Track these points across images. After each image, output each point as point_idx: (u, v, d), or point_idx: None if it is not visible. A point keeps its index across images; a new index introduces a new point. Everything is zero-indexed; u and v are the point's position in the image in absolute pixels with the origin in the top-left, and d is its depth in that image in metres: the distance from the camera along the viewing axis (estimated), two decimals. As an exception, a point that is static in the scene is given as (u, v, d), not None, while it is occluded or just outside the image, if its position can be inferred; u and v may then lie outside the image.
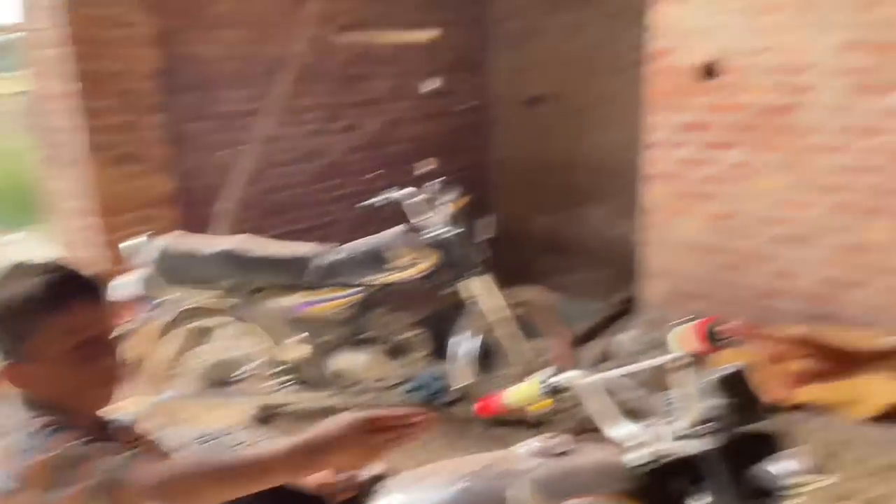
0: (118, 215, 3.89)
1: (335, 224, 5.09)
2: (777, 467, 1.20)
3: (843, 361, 0.86)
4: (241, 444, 1.63)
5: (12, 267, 1.16)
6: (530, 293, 3.54)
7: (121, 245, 3.21)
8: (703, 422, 1.26)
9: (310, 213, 5.00)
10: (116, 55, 3.79)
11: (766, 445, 1.26)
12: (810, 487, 1.16)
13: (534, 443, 1.41)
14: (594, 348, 4.12)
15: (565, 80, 5.91)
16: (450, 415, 3.51)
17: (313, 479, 1.46)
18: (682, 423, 1.28)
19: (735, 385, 1.27)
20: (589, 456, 1.38)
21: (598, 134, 5.83)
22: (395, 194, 3.52)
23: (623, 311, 4.91)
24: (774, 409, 1.37)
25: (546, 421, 3.33)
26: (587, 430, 3.27)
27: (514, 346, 3.41)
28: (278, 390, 3.33)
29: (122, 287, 3.11)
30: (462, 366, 3.32)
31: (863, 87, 3.25)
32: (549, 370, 1.51)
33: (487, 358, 3.48)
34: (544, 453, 1.37)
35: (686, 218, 3.81)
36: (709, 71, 3.59)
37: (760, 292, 3.67)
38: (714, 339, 1.24)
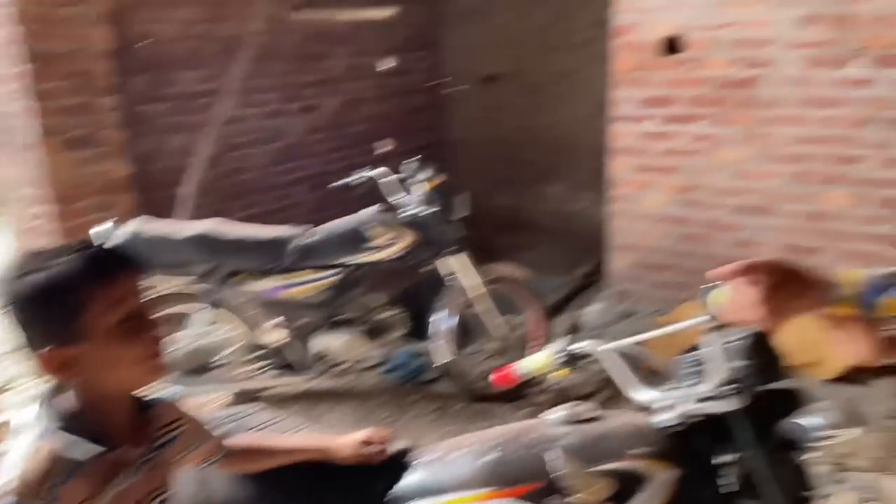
0: (74, 202, 3.75)
1: (296, 206, 5.02)
2: (805, 421, 1.26)
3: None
4: (263, 423, 1.63)
5: (28, 255, 1.11)
6: (504, 269, 3.58)
7: (91, 231, 3.10)
8: (729, 382, 1.29)
9: (270, 195, 4.91)
10: (68, 34, 3.62)
11: (790, 402, 1.32)
12: (838, 440, 1.22)
13: (561, 411, 1.43)
14: (564, 321, 4.20)
15: (522, 57, 5.93)
16: (430, 393, 3.57)
17: (346, 452, 1.48)
18: (708, 385, 1.30)
19: (758, 346, 1.31)
20: (617, 421, 1.41)
21: (557, 110, 5.88)
22: (370, 173, 3.51)
23: (587, 284, 5.01)
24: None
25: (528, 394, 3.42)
26: (572, 398, 3.37)
27: (491, 321, 3.46)
28: (257, 375, 3.31)
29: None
30: (442, 343, 3.35)
31: (820, 59, 3.33)
32: (563, 340, 1.52)
33: (466, 334, 3.52)
34: (572, 420, 1.40)
35: (650, 191, 3.87)
36: (671, 46, 3.64)
37: (723, 261, 3.77)
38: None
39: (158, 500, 1.17)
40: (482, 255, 3.62)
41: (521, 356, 3.43)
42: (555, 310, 4.57)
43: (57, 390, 1.10)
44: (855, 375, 3.18)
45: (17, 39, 3.45)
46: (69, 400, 1.09)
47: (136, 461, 1.13)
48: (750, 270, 1.07)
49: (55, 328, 1.05)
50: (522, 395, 3.42)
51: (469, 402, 3.42)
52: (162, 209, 4.05)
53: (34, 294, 1.05)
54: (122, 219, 3.46)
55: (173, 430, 1.24)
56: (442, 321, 3.36)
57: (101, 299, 1.04)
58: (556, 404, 3.38)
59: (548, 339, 3.57)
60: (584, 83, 5.61)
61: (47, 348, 1.05)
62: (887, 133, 3.29)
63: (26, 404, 1.23)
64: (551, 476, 1.30)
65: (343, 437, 1.50)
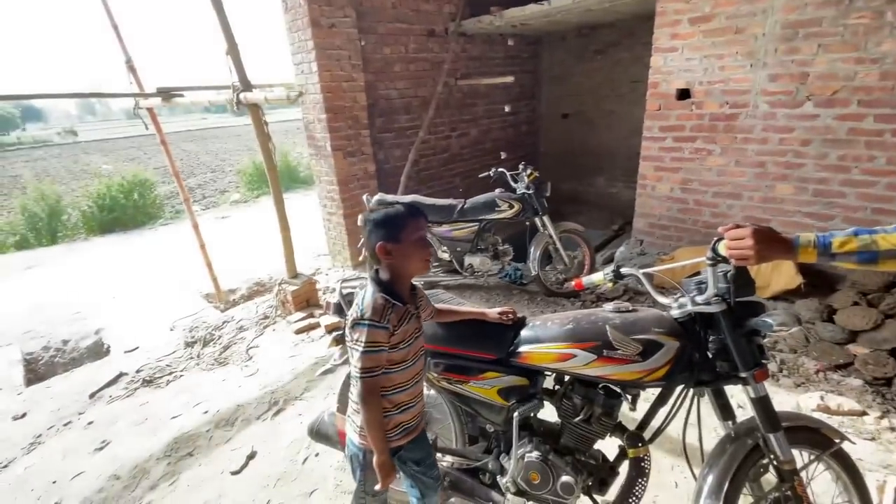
0: (347, 185, 3.97)
1: (454, 189, 5.08)
2: (767, 319, 1.16)
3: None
4: (446, 299, 1.62)
5: (379, 200, 1.23)
6: (569, 225, 3.47)
7: (364, 196, 3.31)
8: (718, 295, 1.21)
9: (441, 182, 4.99)
10: (346, 97, 3.77)
11: (756, 308, 1.22)
12: (786, 332, 1.12)
13: (611, 304, 1.39)
14: (603, 256, 4.02)
15: (584, 102, 5.56)
16: (526, 290, 3.55)
17: (493, 316, 1.42)
18: (705, 295, 1.23)
19: (740, 275, 1.20)
20: (646, 312, 1.35)
21: (604, 134, 5.49)
22: (499, 170, 3.47)
23: (617, 235, 4.76)
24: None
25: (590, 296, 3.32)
26: (607, 300, 3.23)
27: (561, 254, 3.38)
28: (437, 273, 3.43)
29: (359, 220, 3.24)
30: (533, 264, 3.31)
31: (782, 103, 2.87)
32: (610, 266, 1.44)
33: (546, 260, 3.48)
34: (619, 310, 1.36)
35: (662, 182, 3.55)
36: (682, 94, 3.26)
37: (704, 225, 3.43)
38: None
39: (418, 334, 1.24)
40: (557, 217, 3.53)
41: (579, 274, 3.36)
42: (598, 249, 4.40)
43: (378, 273, 1.19)
44: (786, 296, 2.84)
45: (322, 100, 3.65)
46: (385, 276, 1.19)
47: (412, 311, 1.21)
48: (740, 228, 0.97)
49: (390, 233, 1.15)
50: (577, 295, 3.35)
51: (547, 296, 3.39)
52: (389, 189, 4.24)
53: (385, 215, 1.16)
54: (371, 193, 3.67)
55: (421, 298, 1.31)
56: (534, 252, 3.32)
57: (412, 225, 1.14)
58: (595, 304, 3.29)
59: (594, 266, 3.46)
60: (621, 119, 5.17)
61: (382, 242, 1.14)
62: (824, 149, 2.80)
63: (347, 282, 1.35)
64: (605, 338, 1.28)
65: (492, 309, 1.48)
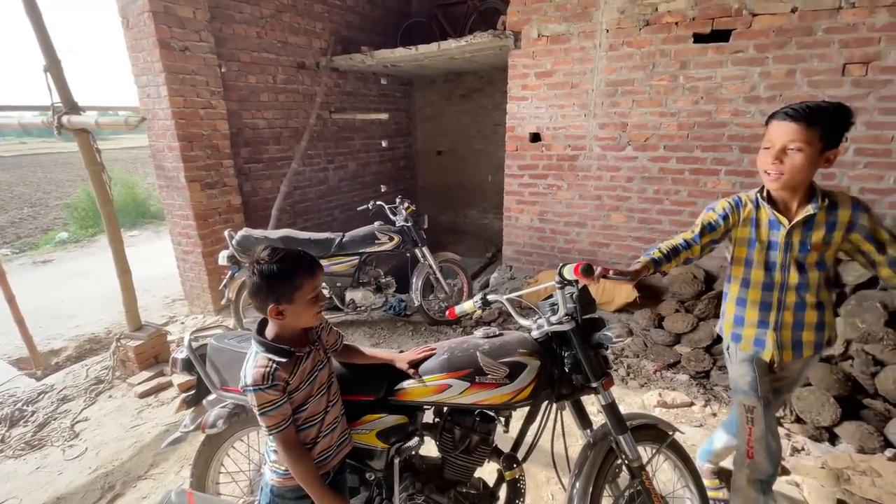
0: (207, 219, 3.56)
1: (333, 222, 4.91)
2: (606, 333, 1.29)
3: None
4: None
5: (266, 248, 1.08)
6: (447, 255, 3.57)
7: (226, 232, 2.96)
8: (567, 314, 1.31)
9: (318, 215, 4.78)
10: (203, 124, 3.42)
11: (598, 324, 1.34)
12: (622, 343, 1.26)
13: (480, 331, 1.41)
14: (479, 281, 4.21)
15: (455, 141, 5.90)
16: (409, 321, 3.53)
17: (402, 362, 1.32)
18: (557, 316, 1.32)
19: (583, 295, 1.33)
20: (510, 335, 1.39)
21: (473, 170, 5.87)
22: (378, 203, 3.44)
23: (490, 262, 5.06)
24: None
25: (468, 321, 3.41)
26: (485, 324, 3.37)
27: (440, 282, 3.45)
28: (314, 313, 3.20)
29: (220, 258, 2.87)
30: (415, 294, 3.31)
31: (610, 146, 3.40)
32: (480, 294, 1.50)
33: (428, 289, 3.51)
34: (487, 336, 1.39)
35: (523, 214, 3.87)
36: (534, 137, 3.66)
37: (560, 251, 3.82)
38: (587, 273, 1.23)
39: (320, 367, 1.15)
40: (438, 247, 3.63)
41: (458, 302, 3.47)
42: (475, 276, 4.60)
43: (261, 328, 1.11)
44: (626, 308, 3.31)
45: (174, 127, 3.25)
46: (271, 332, 1.10)
47: (306, 351, 1.12)
48: (583, 265, 1.09)
49: (284, 294, 1.04)
50: (460, 322, 3.43)
51: (431, 325, 3.40)
52: (259, 223, 3.90)
53: (280, 273, 1.04)
54: (235, 228, 3.31)
55: (321, 328, 1.22)
56: (416, 283, 3.32)
57: (308, 284, 1.05)
58: (476, 327, 3.41)
59: (471, 292, 3.60)
60: (487, 157, 5.63)
61: (273, 304, 1.05)
62: (643, 185, 3.39)
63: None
64: (477, 365, 1.29)
65: (404, 354, 1.37)
